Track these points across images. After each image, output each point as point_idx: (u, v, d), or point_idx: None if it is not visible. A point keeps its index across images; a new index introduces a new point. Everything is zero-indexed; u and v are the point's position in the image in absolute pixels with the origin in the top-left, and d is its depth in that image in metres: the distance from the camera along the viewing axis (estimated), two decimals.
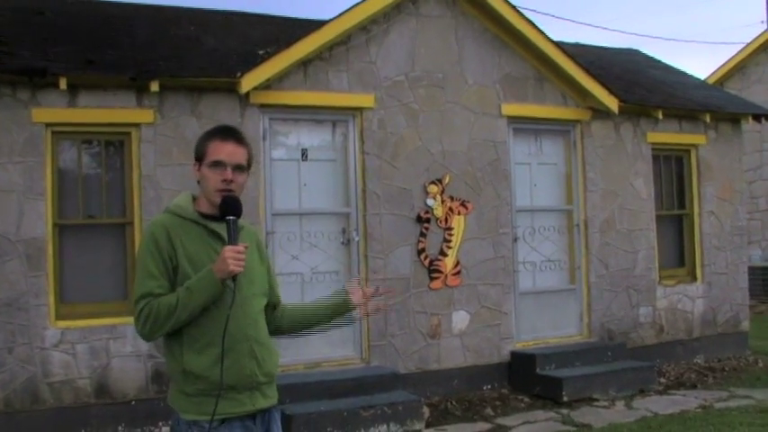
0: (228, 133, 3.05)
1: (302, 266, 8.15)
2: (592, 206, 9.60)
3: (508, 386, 8.79)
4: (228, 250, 2.83)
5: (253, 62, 7.81)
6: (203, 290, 2.85)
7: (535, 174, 9.49)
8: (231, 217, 2.93)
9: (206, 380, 2.88)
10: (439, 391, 8.42)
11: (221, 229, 2.99)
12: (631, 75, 11.41)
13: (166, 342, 2.99)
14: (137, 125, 7.49)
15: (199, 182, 3.07)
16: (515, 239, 9.18)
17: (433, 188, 8.59)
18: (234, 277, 2.85)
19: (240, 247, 2.86)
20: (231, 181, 2.97)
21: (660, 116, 9.99)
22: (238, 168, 3.00)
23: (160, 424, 7.15)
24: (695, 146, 10.61)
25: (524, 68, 9.24)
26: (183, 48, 8.47)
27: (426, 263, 8.52)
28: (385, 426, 7.18)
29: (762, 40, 16.13)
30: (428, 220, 8.55)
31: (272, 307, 3.25)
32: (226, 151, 2.98)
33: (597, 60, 11.30)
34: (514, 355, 8.88)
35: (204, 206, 3.04)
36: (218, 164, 2.97)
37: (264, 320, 3.13)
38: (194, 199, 3.10)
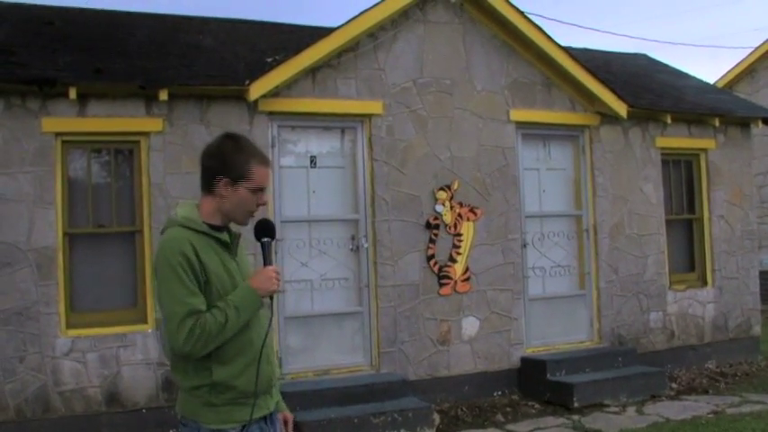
0: (265, 158, 3.08)
1: (312, 273, 8.15)
2: (601, 211, 9.58)
3: (518, 392, 8.76)
4: (271, 270, 2.94)
5: (261, 70, 7.83)
6: (249, 308, 2.92)
7: (544, 179, 9.47)
8: (266, 239, 3.02)
9: (235, 389, 2.92)
10: (449, 398, 8.40)
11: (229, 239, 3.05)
12: (639, 79, 11.40)
13: (186, 357, 2.92)
14: (146, 134, 7.51)
15: (216, 193, 2.99)
16: (524, 245, 9.16)
17: (442, 194, 8.59)
18: (271, 296, 2.97)
19: (278, 268, 3.01)
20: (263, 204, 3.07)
21: (669, 120, 9.97)
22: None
23: None
24: (704, 150, 10.58)
25: (532, 74, 9.24)
26: (191, 56, 8.51)
27: (436, 269, 8.51)
28: None
29: None
30: (437, 227, 8.54)
31: None
32: (268, 178, 3.05)
33: (605, 65, 11.29)
34: (525, 360, 8.86)
35: (213, 218, 3.00)
36: (260, 190, 3.02)
37: None
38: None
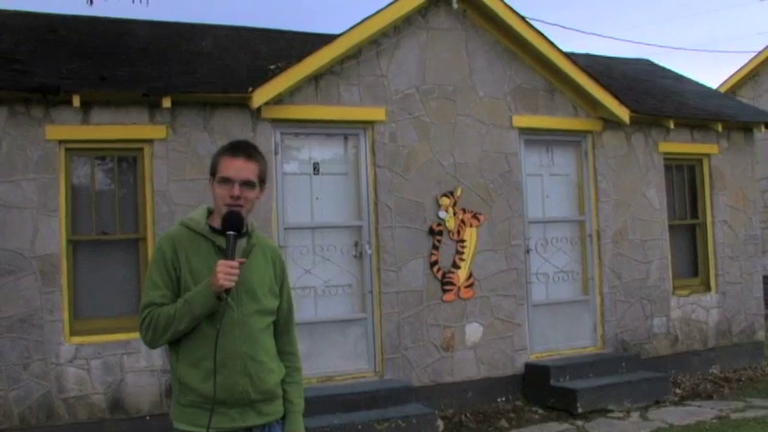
0: (238, 149, 3.06)
1: (315, 280, 8.16)
2: (604, 217, 9.57)
3: (522, 398, 8.75)
4: (221, 264, 2.86)
5: (264, 77, 7.85)
6: (199, 302, 2.89)
7: (547, 185, 9.48)
8: (231, 232, 2.94)
9: (197, 392, 2.92)
10: (453, 404, 8.40)
11: None
12: (642, 84, 11.41)
13: (168, 353, 3.06)
14: (149, 141, 7.53)
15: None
16: (528, 251, 9.16)
17: (445, 200, 8.59)
18: (227, 292, 2.86)
19: (233, 263, 2.87)
20: (238, 197, 2.99)
21: (672, 126, 9.97)
22: (247, 184, 3.01)
23: None
24: (707, 155, 10.58)
25: (535, 80, 9.25)
26: (194, 63, 8.53)
27: (439, 275, 8.51)
28: None
29: None
30: (440, 233, 8.55)
31: (279, 330, 3.20)
32: (234, 167, 3.00)
33: (607, 71, 11.30)
34: (528, 366, 8.85)
35: (217, 221, 3.06)
36: (225, 180, 3.00)
37: (269, 338, 3.11)
38: (210, 213, 3.13)
